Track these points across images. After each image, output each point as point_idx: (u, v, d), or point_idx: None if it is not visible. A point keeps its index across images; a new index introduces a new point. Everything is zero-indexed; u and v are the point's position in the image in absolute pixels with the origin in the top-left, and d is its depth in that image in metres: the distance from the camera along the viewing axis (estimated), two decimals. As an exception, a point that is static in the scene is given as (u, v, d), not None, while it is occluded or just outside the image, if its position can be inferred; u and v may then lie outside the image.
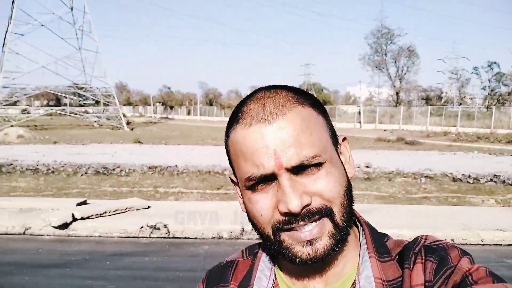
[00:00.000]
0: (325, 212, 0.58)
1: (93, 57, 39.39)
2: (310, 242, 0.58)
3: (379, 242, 0.67)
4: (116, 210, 6.57)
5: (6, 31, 33.38)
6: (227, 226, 5.95)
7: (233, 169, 0.65)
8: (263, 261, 0.72)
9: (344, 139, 0.69)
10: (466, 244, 5.73)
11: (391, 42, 47.31)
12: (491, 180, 10.17)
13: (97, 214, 6.35)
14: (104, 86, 39.51)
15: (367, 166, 12.30)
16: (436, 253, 0.61)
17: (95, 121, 38.32)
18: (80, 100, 42.30)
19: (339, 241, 0.60)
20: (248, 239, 5.79)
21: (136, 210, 6.80)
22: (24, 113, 38.01)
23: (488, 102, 42.75)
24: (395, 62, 47.58)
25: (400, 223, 6.13)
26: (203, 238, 5.89)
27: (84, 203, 7.03)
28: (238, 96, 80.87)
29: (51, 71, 36.56)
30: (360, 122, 43.79)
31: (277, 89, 0.63)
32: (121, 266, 4.97)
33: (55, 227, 6.02)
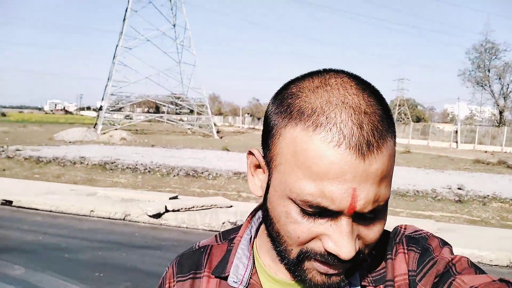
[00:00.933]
0: (361, 258, 0.53)
1: (190, 70, 42.08)
2: (329, 276, 0.53)
3: None
4: (202, 206, 7.15)
5: (117, 45, 37.16)
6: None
7: (269, 152, 0.54)
8: (241, 248, 0.65)
9: None
10: None
11: (495, 58, 43.69)
12: None
13: (186, 208, 6.99)
14: (199, 97, 41.99)
15: (459, 188, 11.67)
16: (418, 243, 0.60)
17: (189, 129, 40.90)
18: (176, 109, 45.42)
19: (349, 274, 0.56)
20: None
21: (220, 207, 7.32)
22: (127, 118, 41.91)
23: None
24: (500, 78, 43.74)
25: (482, 244, 5.81)
26: (279, 238, 6.18)
27: (175, 198, 7.75)
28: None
29: (153, 82, 39.92)
30: (456, 142, 40.83)
31: (370, 98, 0.50)
32: (204, 254, 5.45)
33: (150, 216, 6.76)
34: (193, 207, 7.05)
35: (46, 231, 6.13)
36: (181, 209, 6.96)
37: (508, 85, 44.16)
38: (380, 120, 0.49)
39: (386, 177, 0.49)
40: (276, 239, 0.55)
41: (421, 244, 0.59)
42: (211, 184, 10.52)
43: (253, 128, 67.66)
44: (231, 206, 7.48)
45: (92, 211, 7.08)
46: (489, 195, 10.59)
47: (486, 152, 34.34)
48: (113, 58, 37.32)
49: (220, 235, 0.72)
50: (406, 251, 0.59)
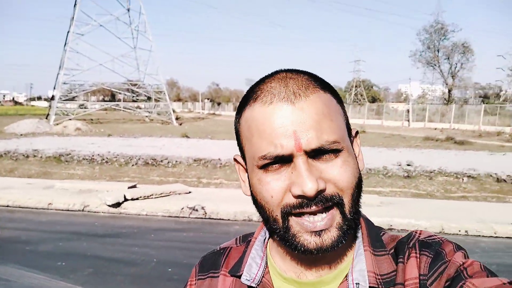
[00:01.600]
0: (337, 201, 0.57)
1: (147, 56, 41.11)
2: (318, 233, 0.57)
3: (375, 236, 0.67)
4: (161, 193, 7.34)
5: (68, 31, 35.69)
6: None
7: (241, 149, 0.65)
8: (255, 249, 0.71)
9: (357, 133, 0.68)
10: (480, 236, 5.93)
11: (444, 38, 45.69)
12: (539, 182, 9.86)
13: (145, 196, 7.16)
14: (156, 83, 41.27)
15: (408, 165, 12.16)
16: (431, 247, 0.61)
17: (147, 116, 40.26)
18: (133, 96, 44.46)
19: (346, 233, 0.59)
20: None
21: (179, 194, 7.54)
22: (82, 108, 40.62)
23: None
24: (448, 58, 45.87)
25: (419, 214, 6.41)
26: (235, 220, 6.51)
27: (134, 186, 7.87)
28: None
29: (107, 69, 38.76)
30: (408, 120, 42.66)
31: (298, 72, 0.62)
32: (163, 239, 5.71)
33: (109, 206, 6.88)
34: (151, 195, 7.23)
35: (4, 226, 6.15)
36: (140, 197, 7.12)
37: (456, 64, 46.40)
38: (305, 80, 0.59)
39: (323, 120, 0.56)
40: (263, 215, 0.61)
41: (434, 248, 0.61)
42: (170, 172, 10.59)
43: (214, 113, 67.35)
44: (190, 192, 7.71)
45: (50, 203, 7.10)
46: (435, 170, 11.16)
47: (436, 129, 36.00)
48: (65, 45, 35.91)
49: (240, 238, 0.79)
50: (418, 256, 0.61)
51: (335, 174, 0.57)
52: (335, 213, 0.58)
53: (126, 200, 7.00)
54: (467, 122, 37.42)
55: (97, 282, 4.20)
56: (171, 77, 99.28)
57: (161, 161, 11.77)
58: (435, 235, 0.64)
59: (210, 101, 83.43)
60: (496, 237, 5.94)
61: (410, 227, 6.06)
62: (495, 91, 60.01)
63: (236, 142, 0.68)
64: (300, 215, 0.57)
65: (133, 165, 11.42)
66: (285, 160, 0.56)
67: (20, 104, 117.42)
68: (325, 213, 0.57)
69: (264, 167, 0.58)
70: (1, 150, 13.48)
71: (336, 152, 0.57)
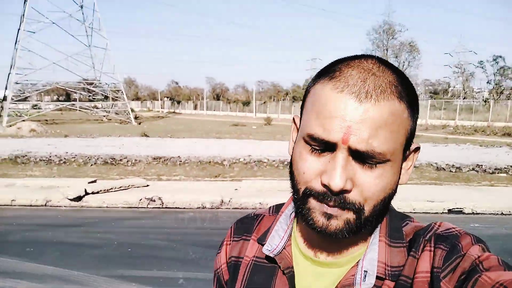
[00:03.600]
0: (356, 210, 0.58)
1: (102, 54, 40.40)
2: (328, 216, 0.58)
3: (395, 227, 0.67)
4: (120, 187, 7.91)
5: (19, 29, 34.56)
6: (210, 198, 7.26)
7: (302, 112, 0.65)
8: (280, 222, 0.74)
9: (417, 149, 0.66)
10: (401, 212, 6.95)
11: (392, 38, 48.13)
12: (473, 169, 10.69)
13: (105, 190, 7.71)
14: (113, 81, 40.65)
15: None
16: (447, 240, 0.60)
17: (104, 116, 39.67)
18: (89, 96, 43.62)
19: (351, 231, 0.59)
20: (226, 208, 7.11)
21: (137, 187, 8.14)
22: (35, 108, 39.43)
23: (493, 96, 42.78)
24: (396, 57, 48.39)
25: None
26: (190, 208, 7.22)
27: (94, 181, 8.37)
28: (244, 91, 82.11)
29: (62, 68, 37.78)
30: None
31: (387, 69, 0.59)
32: (123, 226, 6.35)
33: (70, 200, 7.37)
34: (111, 188, 7.78)
35: (-33, 222, 6.49)
36: (100, 191, 7.65)
37: (404, 62, 48.95)
38: (387, 83, 0.57)
39: (382, 128, 0.55)
40: (292, 182, 0.63)
41: (451, 241, 0.60)
42: (130, 170, 10.72)
43: (173, 112, 66.90)
44: (148, 185, 8.32)
45: (13, 200, 7.47)
46: None
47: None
48: (15, 43, 34.74)
49: (273, 207, 0.82)
50: (432, 249, 0.61)
51: (366, 183, 0.57)
52: (350, 214, 0.58)
53: (87, 194, 7.51)
54: (415, 117, 39.47)
55: (64, 263, 4.77)
56: (128, 76, 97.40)
57: (120, 160, 11.87)
58: (454, 227, 0.63)
59: (170, 99, 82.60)
60: (415, 212, 6.92)
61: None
62: (444, 87, 63.47)
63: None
64: (318, 200, 0.59)
65: (92, 164, 11.45)
66: (328, 147, 0.57)
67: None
68: (342, 210, 0.58)
69: (309, 144, 0.59)
70: (-46, 152, 13.30)
71: (379, 162, 0.57)
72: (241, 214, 0.87)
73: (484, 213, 7.06)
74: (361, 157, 0.56)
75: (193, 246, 5.32)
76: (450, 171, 10.80)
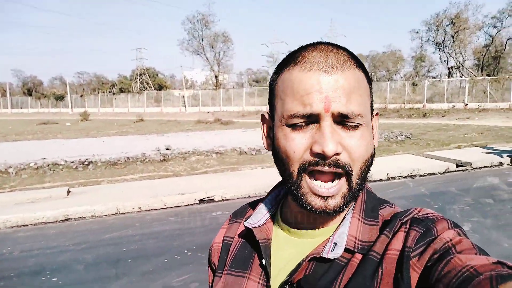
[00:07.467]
0: (347, 170, 0.62)
1: None
2: (324, 198, 0.62)
3: (371, 207, 0.71)
4: None
5: None
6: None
7: (272, 106, 0.70)
8: (265, 202, 0.81)
9: (377, 114, 0.73)
10: (152, 209, 6.47)
11: (206, 28, 49.46)
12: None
13: None
14: None
15: (167, 148, 12.68)
16: (423, 223, 0.62)
17: None
18: None
19: (349, 202, 0.64)
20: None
21: None
22: None
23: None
24: (212, 47, 50.07)
25: (121, 196, 6.78)
26: None
27: None
28: (62, 84, 73.44)
29: None
30: (185, 106, 45.01)
31: (339, 47, 0.66)
32: None
33: None
34: None
35: None
36: None
37: (219, 52, 51.06)
38: (345, 56, 0.64)
39: (354, 93, 0.62)
40: (282, 169, 0.67)
41: (426, 224, 0.62)
42: None
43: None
44: None
45: None
46: (190, 151, 11.96)
47: (208, 112, 39.07)
48: None
49: (271, 192, 0.86)
50: (407, 230, 0.63)
51: (352, 145, 0.62)
52: (343, 183, 0.63)
53: None
54: (234, 104, 41.96)
55: None
56: None
57: None
58: (433, 213, 0.65)
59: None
60: (166, 208, 6.53)
61: (87, 213, 6.17)
62: (263, 76, 69.11)
63: (268, 100, 0.73)
64: (313, 175, 0.63)
65: None
66: (312, 120, 0.62)
67: None
68: (335, 181, 0.63)
69: (291, 125, 0.63)
70: None
71: (357, 125, 0.62)
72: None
73: (233, 199, 6.98)
74: (343, 122, 0.62)
75: None
76: (251, 154, 11.24)
